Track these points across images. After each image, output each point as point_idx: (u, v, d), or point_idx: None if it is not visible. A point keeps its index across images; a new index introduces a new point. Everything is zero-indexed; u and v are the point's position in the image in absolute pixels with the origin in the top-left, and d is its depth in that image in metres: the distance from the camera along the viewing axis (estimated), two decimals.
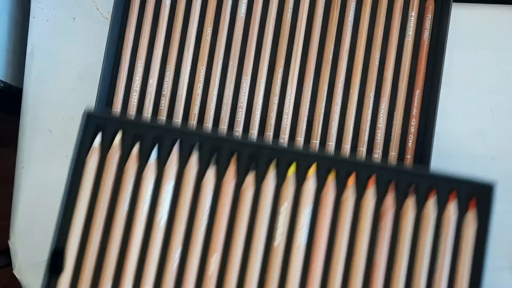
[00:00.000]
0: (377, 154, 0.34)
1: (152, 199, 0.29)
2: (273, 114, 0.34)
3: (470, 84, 0.37)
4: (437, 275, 0.27)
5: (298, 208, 0.28)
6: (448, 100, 0.36)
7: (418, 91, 0.34)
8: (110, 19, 0.35)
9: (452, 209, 0.28)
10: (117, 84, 0.36)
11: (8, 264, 0.40)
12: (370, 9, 0.35)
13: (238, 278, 0.28)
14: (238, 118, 0.35)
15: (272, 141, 0.34)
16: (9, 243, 0.39)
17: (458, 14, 0.37)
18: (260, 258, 0.28)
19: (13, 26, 0.42)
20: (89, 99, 0.35)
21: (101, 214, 0.28)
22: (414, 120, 0.34)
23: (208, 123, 0.35)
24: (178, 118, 0.35)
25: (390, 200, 0.28)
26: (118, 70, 0.36)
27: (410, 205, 0.28)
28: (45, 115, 0.39)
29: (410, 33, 0.35)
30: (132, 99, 0.36)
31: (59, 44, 0.39)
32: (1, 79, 0.40)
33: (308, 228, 0.28)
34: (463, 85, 0.37)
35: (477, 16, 0.37)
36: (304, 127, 0.34)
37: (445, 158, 0.35)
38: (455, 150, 0.36)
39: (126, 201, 0.29)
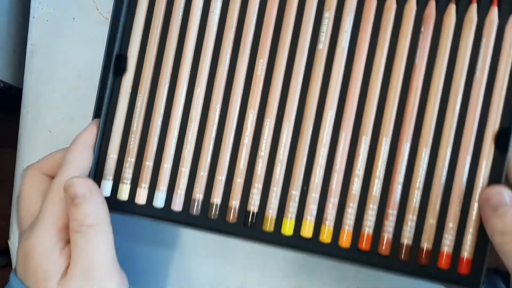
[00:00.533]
0: None
1: (204, 6, 0.31)
2: None
3: None
4: (476, 81, 0.28)
5: (341, 14, 0.29)
6: None
7: None
8: (110, 19, 0.34)
9: (495, 13, 0.28)
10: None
11: (8, 264, 0.40)
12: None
13: (283, 80, 0.30)
14: None
15: None
16: (9, 243, 0.39)
17: None
18: (304, 60, 0.30)
19: (13, 26, 0.42)
20: (89, 99, 0.35)
21: (158, 21, 0.31)
22: None
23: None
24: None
25: (432, 6, 0.28)
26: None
27: (452, 9, 0.28)
28: (45, 115, 0.39)
29: None
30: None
31: (59, 44, 0.38)
32: (1, 79, 0.40)
33: (351, 33, 0.29)
34: None
35: None
36: None
37: None
38: None
39: (181, 8, 0.31)
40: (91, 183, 0.28)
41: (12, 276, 0.29)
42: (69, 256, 0.28)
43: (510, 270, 0.26)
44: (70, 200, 0.28)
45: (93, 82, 0.35)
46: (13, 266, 0.38)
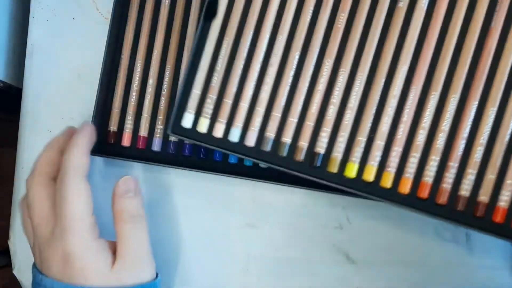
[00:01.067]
0: None
1: None
2: None
3: None
4: None
5: None
6: None
7: None
8: (110, 18, 0.35)
9: None
10: (116, 84, 0.37)
11: (8, 264, 0.39)
12: None
13: (362, 32, 0.32)
14: None
15: None
16: (9, 243, 0.39)
17: None
18: (384, 16, 0.32)
19: (12, 26, 0.41)
20: (89, 99, 0.36)
21: None
22: None
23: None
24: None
25: None
26: (117, 70, 0.36)
27: None
28: (45, 115, 0.39)
29: None
30: (131, 99, 0.37)
31: (59, 44, 0.39)
32: (1, 79, 0.40)
33: None
34: None
35: None
36: None
37: None
38: None
39: None
40: (136, 181, 0.34)
41: (49, 281, 0.31)
42: (110, 247, 0.32)
43: None
44: (122, 194, 0.33)
45: (93, 82, 0.36)
46: (13, 266, 0.39)
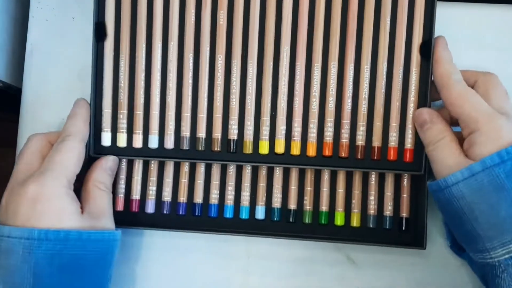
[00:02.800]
0: None
1: None
2: None
3: None
4: (399, 4, 0.34)
5: None
6: None
7: None
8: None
9: None
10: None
11: None
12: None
13: (243, 24, 0.35)
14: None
15: None
16: None
17: (459, 13, 0.38)
18: (259, 8, 0.35)
19: (12, 26, 0.42)
20: (88, 99, 0.36)
21: None
22: None
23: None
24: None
25: None
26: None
27: None
28: (45, 115, 0.39)
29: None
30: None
31: (59, 44, 0.39)
32: (1, 79, 0.40)
33: None
34: None
35: (479, 16, 0.38)
36: None
37: None
38: None
39: None
40: (117, 163, 0.36)
41: (6, 229, 0.31)
42: (78, 201, 0.33)
43: (435, 174, 0.32)
44: (104, 168, 0.35)
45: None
46: None
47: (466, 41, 0.38)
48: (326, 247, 0.37)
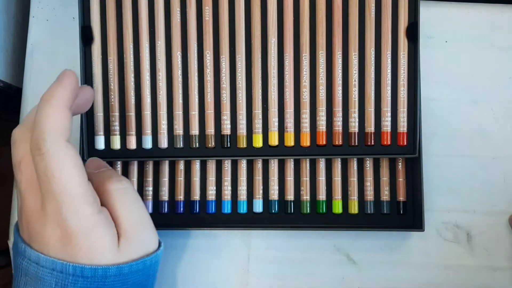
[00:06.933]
0: None
1: None
2: None
3: (471, 84, 0.38)
4: None
5: None
6: (450, 100, 0.38)
7: None
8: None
9: None
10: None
11: (8, 264, 0.38)
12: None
13: (229, 19, 0.35)
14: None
15: None
16: (9, 243, 0.38)
17: (459, 13, 0.38)
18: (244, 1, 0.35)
19: (12, 26, 0.41)
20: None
21: None
22: None
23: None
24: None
25: None
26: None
27: None
28: None
29: None
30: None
31: (59, 44, 0.39)
32: (1, 78, 0.40)
33: None
34: (464, 85, 0.38)
35: (478, 16, 0.38)
36: None
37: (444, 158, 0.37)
38: (456, 150, 0.37)
39: None
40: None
41: (34, 255, 0.27)
42: (112, 225, 0.28)
43: None
44: (97, 168, 0.32)
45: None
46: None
47: (466, 41, 0.38)
48: (326, 247, 0.37)
